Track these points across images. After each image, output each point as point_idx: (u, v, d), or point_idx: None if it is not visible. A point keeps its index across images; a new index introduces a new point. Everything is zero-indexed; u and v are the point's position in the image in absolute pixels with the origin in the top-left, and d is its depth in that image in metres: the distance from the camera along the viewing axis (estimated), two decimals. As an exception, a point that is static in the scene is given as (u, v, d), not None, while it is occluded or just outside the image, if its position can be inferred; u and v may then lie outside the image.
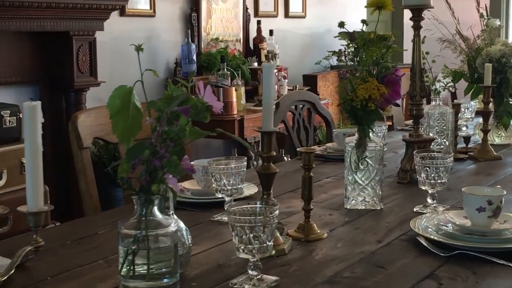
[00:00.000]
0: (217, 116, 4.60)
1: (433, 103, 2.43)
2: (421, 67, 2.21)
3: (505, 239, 1.52)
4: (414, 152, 1.86)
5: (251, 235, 1.26)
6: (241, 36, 5.43)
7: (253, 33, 5.50)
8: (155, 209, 1.20)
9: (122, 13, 4.41)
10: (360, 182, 1.87)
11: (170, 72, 4.80)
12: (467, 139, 2.73)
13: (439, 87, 2.40)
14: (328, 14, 6.41)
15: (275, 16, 5.87)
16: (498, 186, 1.67)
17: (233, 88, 4.62)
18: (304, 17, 6.27)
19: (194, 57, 4.74)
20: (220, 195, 1.77)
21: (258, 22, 5.47)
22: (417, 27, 2.20)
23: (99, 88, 4.03)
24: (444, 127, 2.40)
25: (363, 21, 1.91)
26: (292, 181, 2.24)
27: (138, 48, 1.23)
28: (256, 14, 5.65)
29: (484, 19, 2.89)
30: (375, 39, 1.87)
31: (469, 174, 2.34)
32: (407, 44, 2.59)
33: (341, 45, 1.90)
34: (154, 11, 4.63)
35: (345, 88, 1.86)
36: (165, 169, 1.16)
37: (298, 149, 1.63)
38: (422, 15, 2.19)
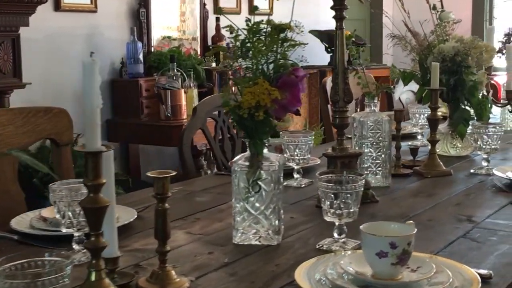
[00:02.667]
0: (163, 120, 4.25)
1: (367, 109, 2.04)
2: (344, 67, 1.83)
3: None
4: (317, 174, 1.47)
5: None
6: (198, 34, 5.04)
7: (212, 31, 5.11)
8: None
9: (57, 7, 4.02)
10: (251, 211, 1.48)
11: (115, 73, 4.42)
12: (414, 150, 2.35)
13: (373, 90, 2.02)
14: (299, 11, 5.99)
15: (238, 13, 5.48)
16: (410, 221, 1.28)
17: (182, 90, 4.24)
18: (271, 14, 5.88)
19: (141, 57, 4.35)
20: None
21: (217, 19, 5.09)
22: (339, 18, 1.82)
23: (30, 90, 3.65)
24: (380, 138, 2.01)
25: (255, 8, 1.54)
26: (187, 205, 1.86)
27: None
28: (215, 10, 5.25)
29: (437, 11, 2.50)
30: (271, 30, 1.48)
31: (406, 194, 1.95)
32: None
33: (228, 37, 1.51)
34: (96, 6, 4.24)
35: (232, 92, 1.48)
36: None
37: (147, 173, 1.24)
38: (345, 4, 1.81)
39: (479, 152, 2.22)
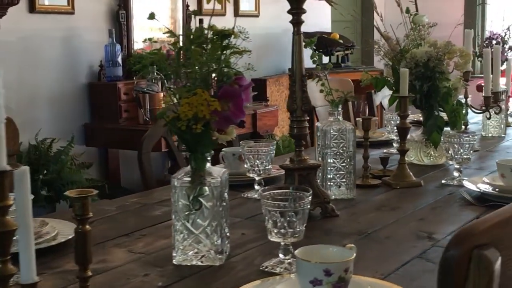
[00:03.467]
0: (141, 125, 4.15)
1: (330, 117, 1.94)
2: (302, 74, 1.73)
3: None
4: (260, 190, 1.38)
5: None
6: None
7: (195, 33, 5.01)
8: None
9: (32, 9, 3.93)
10: (192, 229, 1.38)
11: (94, 76, 4.32)
12: (384, 160, 2.25)
13: (337, 98, 1.92)
14: (284, 14, 5.92)
15: (223, 14, 5.38)
16: (351, 244, 1.19)
17: (161, 94, 4.14)
18: (257, 16, 5.80)
19: (120, 60, 4.25)
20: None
21: (200, 21, 4.97)
22: (297, 22, 1.73)
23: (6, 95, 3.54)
24: (344, 148, 1.92)
25: (194, 12, 1.45)
26: (137, 220, 1.77)
27: None
28: (200, 12, 5.15)
29: (410, 14, 2.41)
30: (212, 36, 1.39)
31: (370, 208, 1.86)
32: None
33: (168, 44, 1.42)
34: (73, 8, 4.15)
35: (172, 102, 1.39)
36: None
37: (65, 193, 1.14)
38: (303, 7, 1.72)
39: (450, 162, 2.12)
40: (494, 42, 2.86)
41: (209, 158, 1.40)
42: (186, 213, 1.38)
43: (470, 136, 2.10)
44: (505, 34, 2.86)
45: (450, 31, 2.83)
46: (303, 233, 1.34)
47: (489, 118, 2.69)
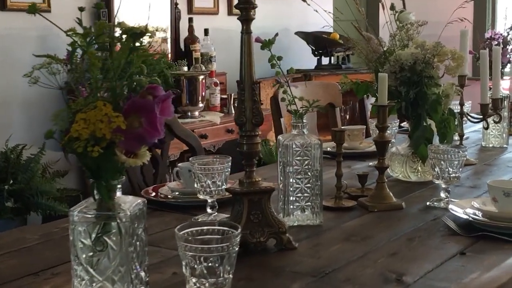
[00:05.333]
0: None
1: (294, 130, 1.67)
2: (252, 80, 1.46)
3: None
4: (176, 229, 1.11)
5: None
6: (168, 36, 4.68)
7: (184, 33, 4.75)
8: None
9: (3, 7, 3.68)
10: (95, 275, 1.12)
11: (72, 78, 4.06)
12: (362, 177, 1.97)
13: (300, 107, 1.64)
14: (284, 12, 5.65)
15: (215, 13, 5.12)
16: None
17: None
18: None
19: (99, 61, 3.99)
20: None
21: (190, 20, 4.73)
22: (245, 19, 1.46)
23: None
24: (308, 166, 1.64)
25: (98, 5, 1.18)
26: (57, 252, 1.51)
27: None
28: (190, 11, 4.90)
29: (395, 12, 2.13)
30: (121, 35, 1.12)
31: (336, 238, 1.58)
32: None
33: (67, 44, 1.16)
34: (49, 5, 3.90)
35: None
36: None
37: None
38: (253, 3, 1.45)
39: (436, 181, 1.84)
40: (495, 43, 2.58)
41: (119, 186, 1.13)
42: (90, 254, 1.11)
43: (461, 152, 1.82)
44: (508, 34, 2.58)
45: (456, 30, 2.56)
46: (229, 282, 1.07)
47: (486, 128, 2.40)
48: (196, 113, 4.29)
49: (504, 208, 1.61)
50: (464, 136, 2.93)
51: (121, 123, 1.05)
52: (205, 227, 1.10)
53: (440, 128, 2.04)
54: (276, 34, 1.61)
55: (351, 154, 2.54)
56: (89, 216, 1.11)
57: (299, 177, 1.65)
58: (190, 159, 1.72)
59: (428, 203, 1.84)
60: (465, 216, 1.63)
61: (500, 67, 2.40)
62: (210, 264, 1.05)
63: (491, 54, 2.41)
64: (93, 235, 1.11)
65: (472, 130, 3.05)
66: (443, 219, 1.63)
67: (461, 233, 1.56)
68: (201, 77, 4.31)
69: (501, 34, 2.63)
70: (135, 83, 1.11)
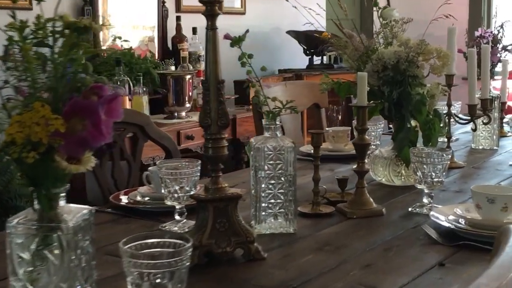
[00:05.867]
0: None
1: (267, 133, 1.57)
2: (218, 79, 1.37)
3: None
4: (120, 243, 1.01)
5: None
6: (156, 34, 4.59)
7: (172, 31, 4.66)
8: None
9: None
10: (33, 290, 1.02)
11: (56, 77, 3.96)
12: (342, 182, 1.88)
13: (274, 108, 1.56)
14: (276, 11, 5.56)
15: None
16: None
17: (127, 98, 3.79)
18: (243, 13, 5.43)
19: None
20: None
21: (178, 19, 4.63)
22: (210, 14, 1.36)
23: None
24: (281, 171, 1.55)
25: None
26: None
27: None
28: (178, 9, 4.81)
29: (379, 8, 2.04)
30: (65, 29, 1.03)
31: (309, 247, 1.48)
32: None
33: (6, 39, 1.06)
34: (30, 3, 3.79)
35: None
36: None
37: None
38: (218, -4, 1.35)
39: (418, 186, 1.75)
40: (485, 41, 2.49)
41: (62, 195, 1.04)
42: (29, 269, 1.02)
43: (444, 155, 1.73)
44: (498, 32, 2.48)
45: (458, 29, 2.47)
46: (180, 301, 0.97)
47: (474, 130, 2.31)
48: (183, 113, 4.20)
49: (488, 216, 1.52)
50: (454, 138, 2.86)
51: (59, 126, 0.96)
52: (153, 240, 1.00)
53: (424, 130, 1.94)
54: (247, 31, 1.51)
55: (335, 156, 2.46)
56: (28, 227, 1.02)
57: (271, 182, 1.56)
58: (157, 163, 1.63)
59: (410, 209, 1.75)
60: (447, 224, 1.53)
61: (490, 66, 2.31)
62: (158, 281, 0.95)
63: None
64: (33, 248, 1.01)
65: (462, 131, 2.96)
66: (423, 227, 1.54)
67: (442, 242, 1.47)
68: (188, 76, 4.21)
69: (491, 32, 2.54)
70: (78, 82, 1.01)
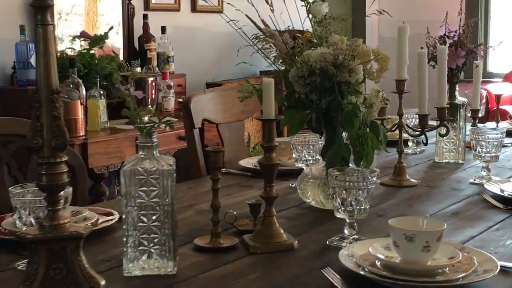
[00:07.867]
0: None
1: (141, 152, 1.29)
2: (52, 89, 1.08)
3: None
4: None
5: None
6: (120, 34, 4.32)
7: (139, 31, 4.39)
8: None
9: None
10: None
11: (6, 80, 3.72)
12: (255, 207, 1.59)
13: (146, 123, 1.28)
14: (260, 9, 5.26)
15: (177, 10, 4.75)
16: None
17: (78, 102, 3.52)
18: (220, 11, 5.13)
19: (33, 61, 3.63)
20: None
21: (145, 17, 4.37)
22: (39, 6, 1.08)
23: None
24: (156, 199, 1.26)
25: None
26: None
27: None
28: (147, 7, 4.54)
29: (307, 3, 1.75)
30: None
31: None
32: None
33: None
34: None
35: None
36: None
37: None
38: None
39: (338, 215, 1.46)
40: (449, 41, 2.18)
41: None
42: None
43: (370, 177, 1.44)
44: (463, 32, 2.15)
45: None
46: None
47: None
48: (146, 118, 3.91)
49: (407, 255, 1.22)
50: (419, 150, 2.57)
51: None
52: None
53: (355, 147, 1.65)
54: (111, 28, 1.24)
55: (274, 171, 2.16)
56: None
57: (143, 213, 1.27)
58: (9, 189, 1.35)
59: (328, 242, 1.46)
60: (362, 272, 1.24)
61: (446, 70, 2.01)
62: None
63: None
64: None
65: (432, 141, 2.65)
66: (324, 271, 1.25)
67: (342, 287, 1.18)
68: (151, 79, 3.94)
69: (455, 32, 2.23)
70: None
